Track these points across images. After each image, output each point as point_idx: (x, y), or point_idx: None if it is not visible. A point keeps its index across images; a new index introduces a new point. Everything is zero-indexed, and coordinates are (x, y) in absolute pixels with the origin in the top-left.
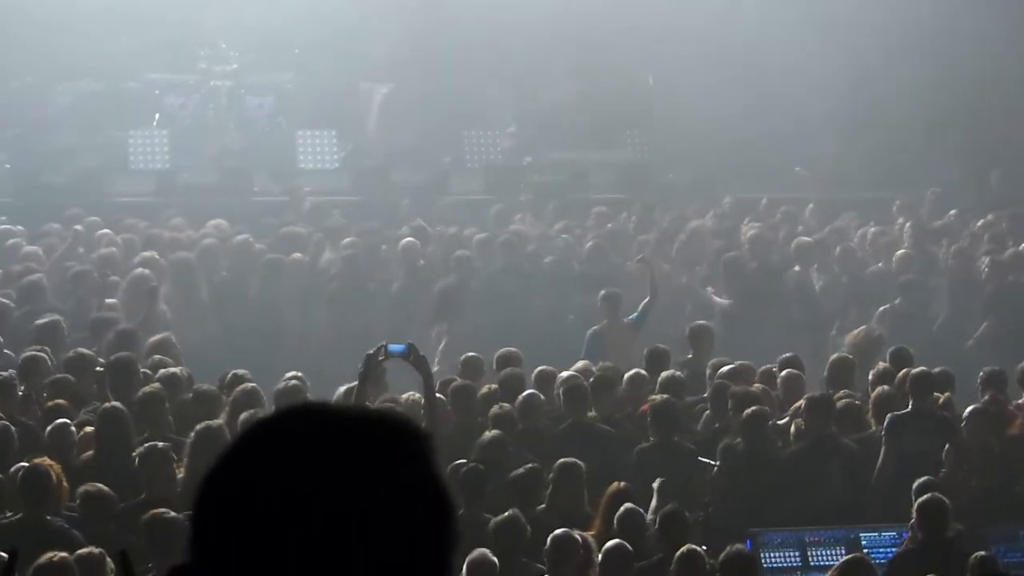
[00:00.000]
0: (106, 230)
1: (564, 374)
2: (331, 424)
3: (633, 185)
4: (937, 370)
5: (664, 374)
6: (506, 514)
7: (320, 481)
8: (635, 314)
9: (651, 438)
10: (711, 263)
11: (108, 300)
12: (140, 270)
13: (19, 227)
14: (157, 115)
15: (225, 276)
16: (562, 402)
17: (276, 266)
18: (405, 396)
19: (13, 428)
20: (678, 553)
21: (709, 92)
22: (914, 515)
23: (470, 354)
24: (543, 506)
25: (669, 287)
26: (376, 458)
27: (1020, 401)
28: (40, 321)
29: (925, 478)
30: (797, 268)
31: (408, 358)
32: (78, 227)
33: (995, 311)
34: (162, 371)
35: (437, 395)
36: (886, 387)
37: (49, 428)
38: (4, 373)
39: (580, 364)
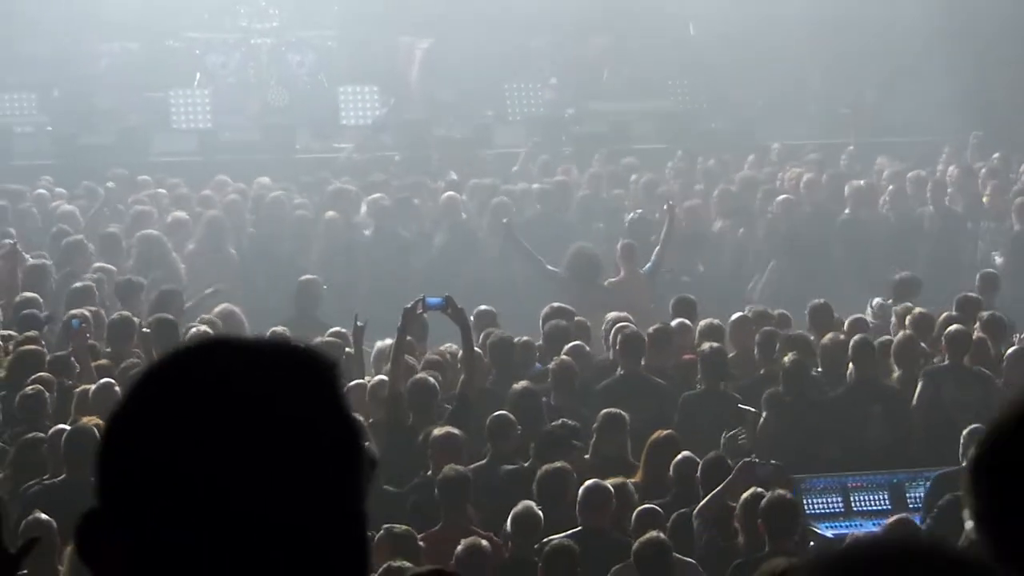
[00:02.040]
0: (145, 191)
1: (616, 324)
2: (232, 356)
3: (675, 134)
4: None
5: (703, 322)
6: (555, 465)
7: (223, 416)
8: (648, 264)
9: (699, 386)
10: (760, 210)
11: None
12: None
13: (60, 188)
14: (198, 74)
15: (254, 233)
16: (618, 352)
17: (305, 223)
18: (444, 347)
19: (46, 392)
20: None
21: (748, 42)
22: (965, 457)
23: (482, 307)
24: (587, 455)
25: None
26: (279, 389)
27: None
28: (77, 284)
29: (975, 426)
30: (847, 211)
31: (446, 310)
32: (110, 184)
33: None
34: (193, 331)
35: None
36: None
37: (93, 389)
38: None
39: (612, 315)
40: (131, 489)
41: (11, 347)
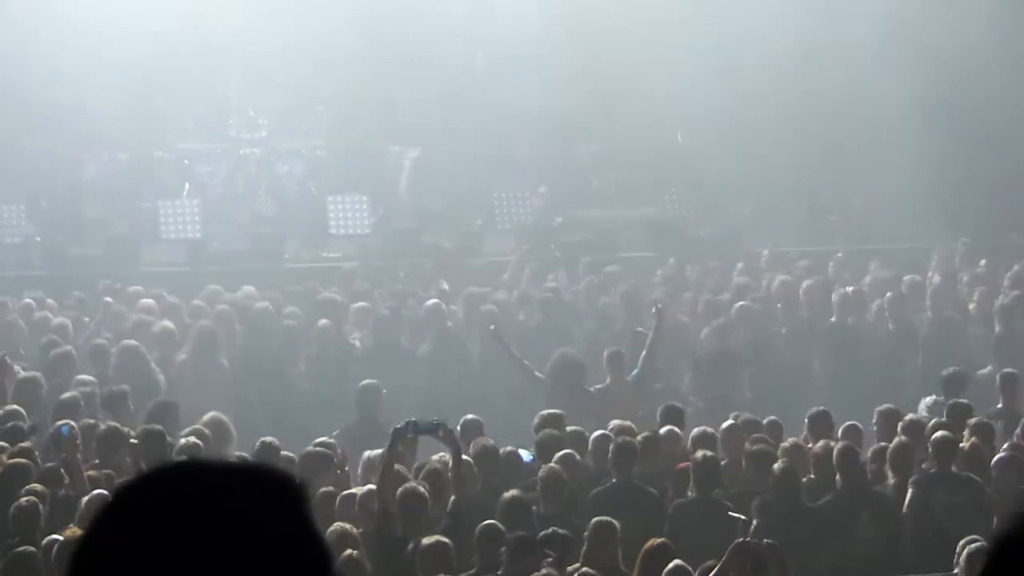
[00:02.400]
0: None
1: (608, 433)
2: (199, 481)
3: (663, 241)
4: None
5: (696, 430)
6: (541, 572)
7: (191, 540)
8: (635, 371)
9: (690, 493)
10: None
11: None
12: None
13: (50, 300)
14: (187, 184)
15: (242, 344)
16: (610, 460)
17: (292, 333)
18: (436, 457)
19: (40, 504)
20: None
21: (737, 147)
22: (962, 566)
23: (469, 417)
24: (578, 564)
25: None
26: (247, 512)
27: None
28: (65, 396)
29: (972, 537)
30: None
31: (438, 434)
32: (108, 299)
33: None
34: (183, 442)
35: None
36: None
37: (85, 500)
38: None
39: (615, 423)
40: None
41: (5, 457)
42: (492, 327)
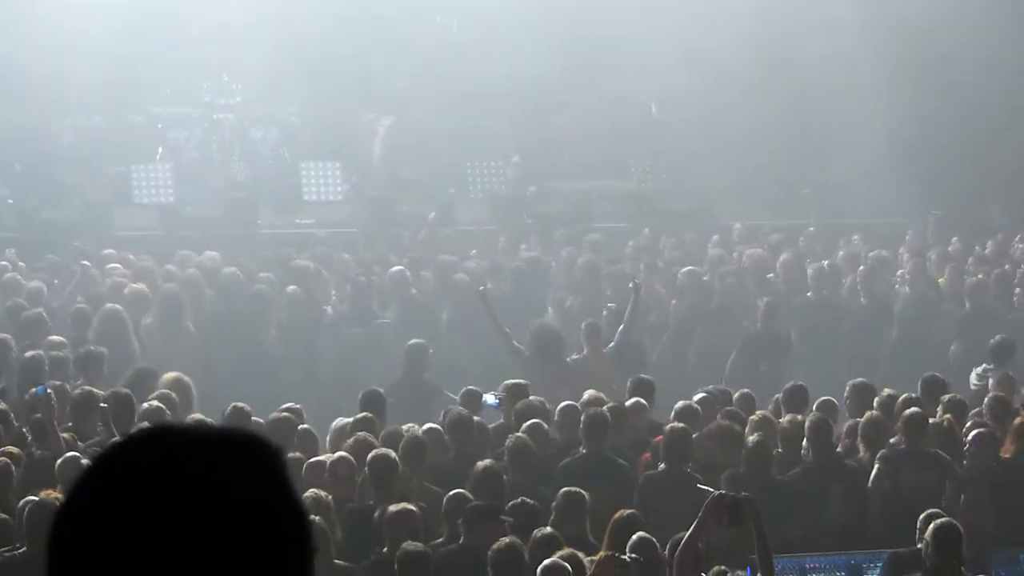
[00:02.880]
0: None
1: (576, 404)
2: (178, 447)
3: (637, 213)
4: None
5: (679, 404)
6: (506, 540)
7: (171, 507)
8: (612, 343)
9: (662, 465)
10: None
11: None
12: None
13: (21, 263)
14: (160, 149)
15: (212, 309)
16: (582, 431)
17: (263, 298)
18: (406, 427)
19: (13, 466)
20: None
21: (711, 120)
22: (927, 540)
23: (470, 388)
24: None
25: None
26: (226, 478)
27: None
28: (27, 355)
29: (932, 509)
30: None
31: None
32: (85, 263)
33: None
34: (146, 405)
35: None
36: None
37: (59, 462)
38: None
39: (588, 394)
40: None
41: None
42: (481, 288)
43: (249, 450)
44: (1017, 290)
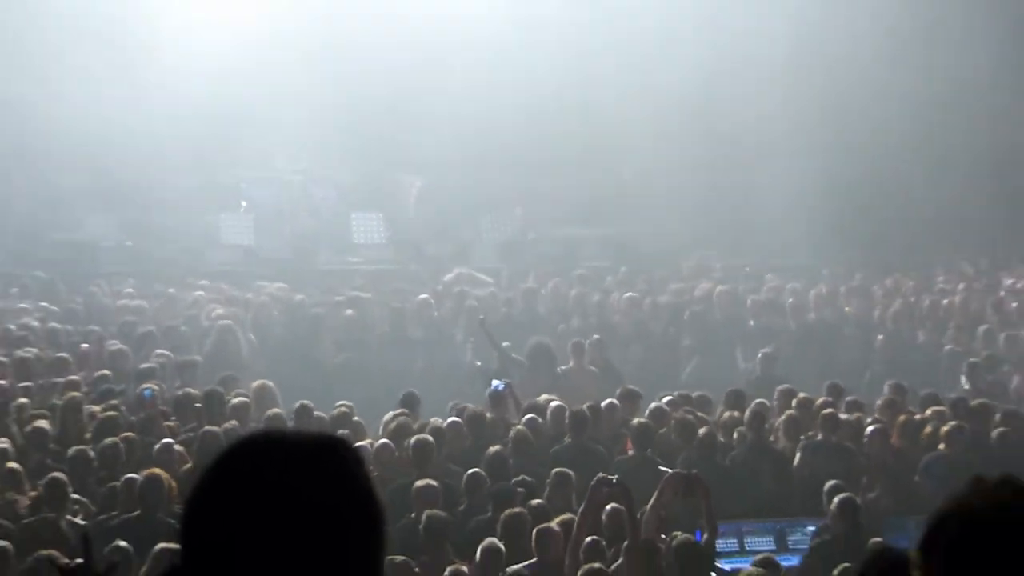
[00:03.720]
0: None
1: (563, 404)
2: (275, 452)
3: (616, 255)
4: (850, 398)
5: (652, 405)
6: (514, 510)
7: (275, 494)
8: (602, 367)
9: (630, 452)
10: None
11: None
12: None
13: (129, 289)
14: (244, 202)
15: (280, 330)
16: (568, 424)
17: (319, 319)
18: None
19: (122, 445)
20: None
21: (671, 181)
22: (833, 511)
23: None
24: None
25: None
26: (321, 473)
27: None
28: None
29: (835, 482)
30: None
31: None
32: (199, 293)
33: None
34: (233, 402)
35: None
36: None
37: (157, 447)
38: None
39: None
40: (200, 556)
41: (99, 412)
42: (481, 317)
43: (339, 451)
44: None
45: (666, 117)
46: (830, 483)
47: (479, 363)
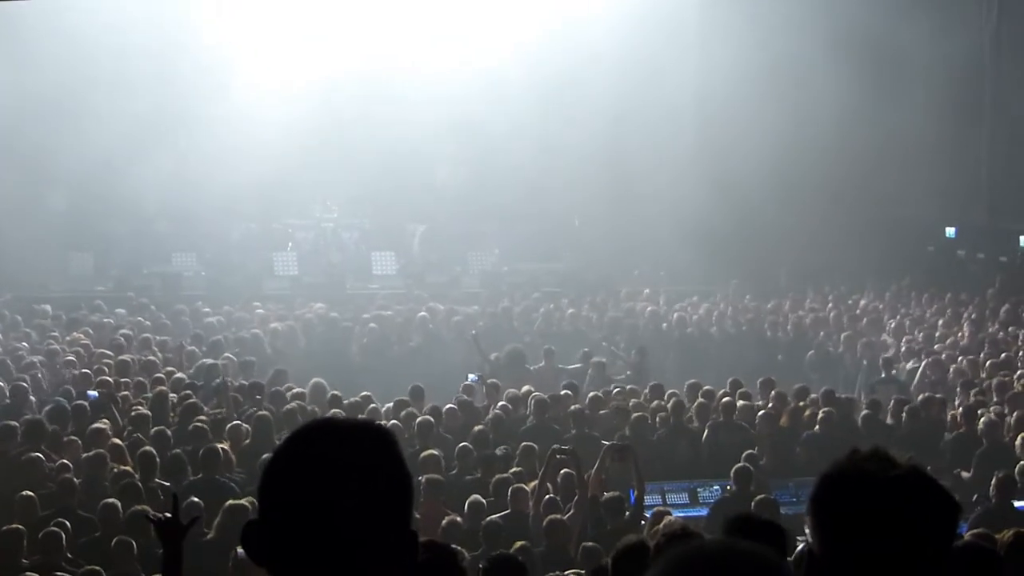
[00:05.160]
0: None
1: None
2: (334, 433)
3: (566, 283)
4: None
5: (591, 394)
6: (501, 475)
7: (329, 470)
8: (567, 367)
9: (573, 431)
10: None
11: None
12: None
13: (206, 308)
14: (290, 243)
15: (320, 339)
16: (531, 408)
17: (348, 331)
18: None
19: (205, 427)
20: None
21: (609, 225)
22: (732, 477)
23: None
24: (514, 470)
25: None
26: (368, 445)
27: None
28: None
29: (741, 464)
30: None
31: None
32: (260, 311)
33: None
34: (292, 392)
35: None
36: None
37: (229, 426)
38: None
39: (526, 388)
40: (276, 515)
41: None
42: (473, 332)
43: (380, 433)
44: (789, 327)
45: (583, 168)
46: (736, 466)
47: (472, 375)
